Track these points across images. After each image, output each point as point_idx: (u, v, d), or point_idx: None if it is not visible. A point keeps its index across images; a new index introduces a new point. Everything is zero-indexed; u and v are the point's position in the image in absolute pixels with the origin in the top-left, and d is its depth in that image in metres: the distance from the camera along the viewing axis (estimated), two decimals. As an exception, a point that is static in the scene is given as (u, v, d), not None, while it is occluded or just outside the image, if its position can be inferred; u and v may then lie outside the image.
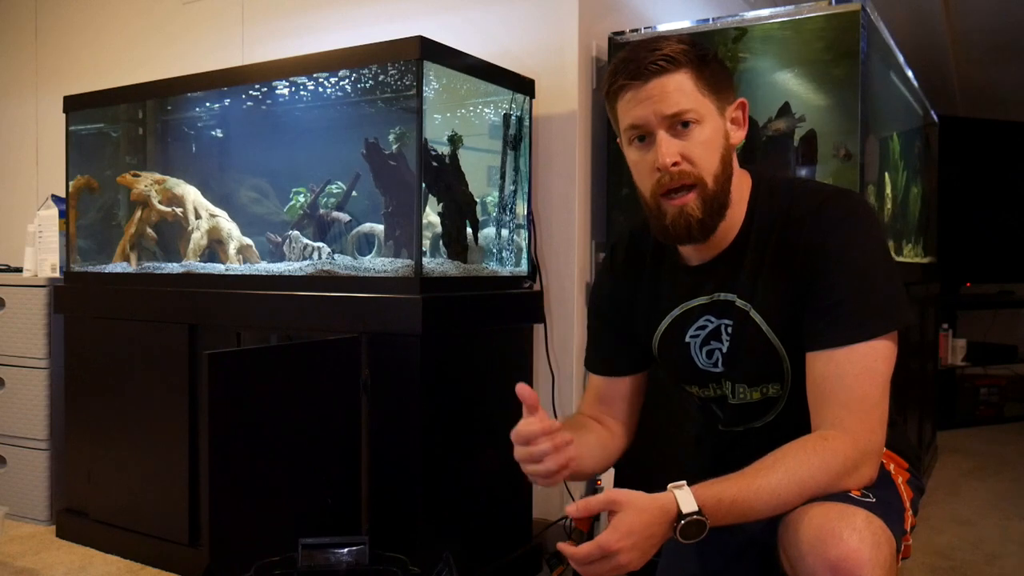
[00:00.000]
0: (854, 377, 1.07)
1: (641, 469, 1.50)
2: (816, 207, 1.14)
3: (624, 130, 1.16)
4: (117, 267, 2.43)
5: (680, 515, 0.98)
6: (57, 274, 2.58)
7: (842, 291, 1.09)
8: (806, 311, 1.12)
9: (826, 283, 1.10)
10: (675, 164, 1.11)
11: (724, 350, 1.21)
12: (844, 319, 1.08)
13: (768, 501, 1.02)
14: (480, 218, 2.14)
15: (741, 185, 1.19)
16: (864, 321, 1.08)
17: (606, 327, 1.35)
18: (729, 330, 1.20)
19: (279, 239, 2.22)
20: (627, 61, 1.13)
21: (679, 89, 1.10)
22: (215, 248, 2.34)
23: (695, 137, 1.12)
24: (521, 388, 1.12)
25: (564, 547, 1.02)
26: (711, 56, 1.14)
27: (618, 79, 1.13)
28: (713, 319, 1.22)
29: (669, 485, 1.02)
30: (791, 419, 1.17)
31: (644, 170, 1.15)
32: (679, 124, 1.11)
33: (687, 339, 1.25)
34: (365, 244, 2.18)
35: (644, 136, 1.14)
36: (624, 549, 0.98)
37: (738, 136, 1.18)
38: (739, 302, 1.18)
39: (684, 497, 0.99)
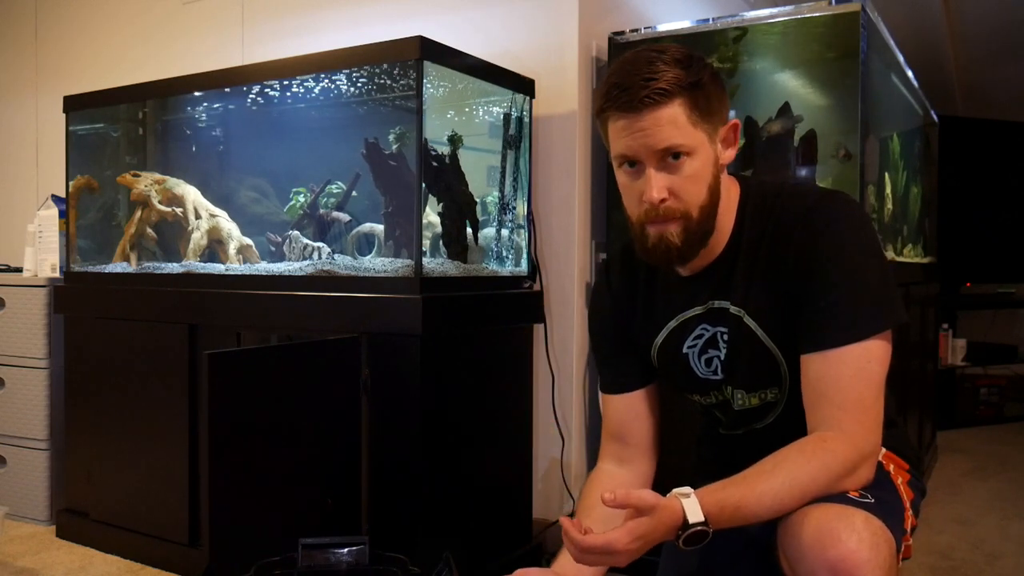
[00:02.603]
0: (849, 378, 1.07)
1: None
2: (806, 210, 1.13)
3: (614, 155, 1.15)
4: (117, 267, 2.43)
5: (686, 525, 0.99)
6: (57, 274, 2.58)
7: (834, 292, 1.09)
8: (800, 314, 1.12)
9: (818, 285, 1.10)
10: (663, 200, 1.11)
11: (722, 357, 1.22)
12: (837, 320, 1.08)
13: (770, 506, 1.02)
14: (480, 218, 2.13)
15: (729, 194, 1.19)
16: (857, 322, 1.08)
17: (610, 344, 1.35)
18: (725, 337, 1.20)
19: (279, 239, 2.22)
20: (620, 89, 1.09)
21: (672, 123, 1.08)
22: (215, 248, 2.34)
23: (685, 170, 1.11)
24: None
25: (568, 527, 1.01)
26: (705, 79, 1.11)
27: (609, 108, 1.11)
28: (709, 327, 1.22)
29: (675, 491, 1.01)
30: (791, 420, 1.17)
31: (632, 196, 1.15)
32: (670, 156, 1.10)
33: (685, 350, 1.25)
34: (365, 244, 2.18)
35: (634, 163, 1.13)
36: (629, 552, 0.99)
37: (728, 155, 1.17)
38: (733, 309, 1.19)
39: (691, 506, 0.99)
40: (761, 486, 1.02)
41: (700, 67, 1.11)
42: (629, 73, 1.09)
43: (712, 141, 1.14)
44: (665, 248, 1.14)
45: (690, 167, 1.11)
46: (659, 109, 1.08)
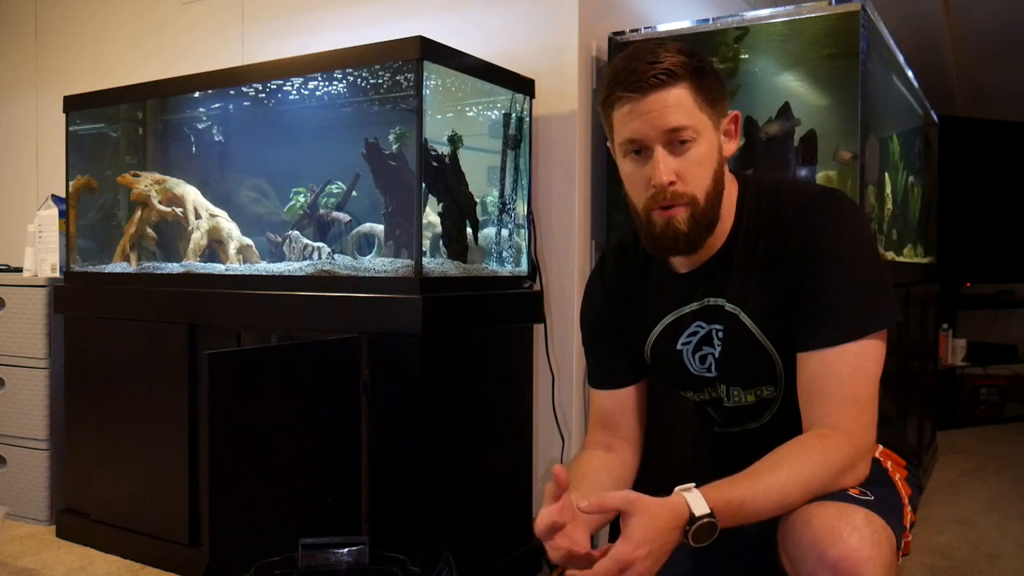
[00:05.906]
0: (847, 377, 1.07)
1: (639, 472, 1.50)
2: (803, 209, 1.14)
3: (620, 143, 1.15)
4: (117, 267, 2.43)
5: (692, 518, 0.98)
6: (57, 274, 2.58)
7: (832, 292, 1.09)
8: (796, 312, 1.12)
9: (816, 284, 1.10)
10: (671, 183, 1.11)
11: (716, 355, 1.22)
12: (835, 320, 1.09)
13: (775, 500, 1.02)
14: (480, 218, 2.14)
15: (728, 191, 1.20)
16: (855, 321, 1.08)
17: (601, 339, 1.35)
18: (720, 335, 1.21)
19: (279, 239, 2.22)
20: (626, 72, 1.11)
21: (678, 104, 1.10)
22: (215, 248, 2.34)
23: (691, 155, 1.12)
24: (558, 472, 1.05)
25: (574, 573, 0.98)
26: (708, 68, 1.13)
27: (616, 91, 1.12)
28: (704, 324, 1.22)
29: (677, 488, 1.01)
30: (786, 419, 1.17)
31: (638, 184, 1.15)
32: (676, 141, 1.11)
33: (679, 346, 1.25)
34: (365, 244, 2.18)
35: (640, 150, 1.13)
36: (641, 558, 0.95)
37: (730, 148, 1.18)
38: (728, 306, 1.19)
39: (695, 500, 0.99)
40: (765, 480, 1.02)
41: (701, 57, 1.14)
42: (635, 59, 1.12)
43: (716, 129, 1.15)
44: (673, 235, 1.13)
45: (696, 152, 1.12)
46: (666, 90, 1.09)
